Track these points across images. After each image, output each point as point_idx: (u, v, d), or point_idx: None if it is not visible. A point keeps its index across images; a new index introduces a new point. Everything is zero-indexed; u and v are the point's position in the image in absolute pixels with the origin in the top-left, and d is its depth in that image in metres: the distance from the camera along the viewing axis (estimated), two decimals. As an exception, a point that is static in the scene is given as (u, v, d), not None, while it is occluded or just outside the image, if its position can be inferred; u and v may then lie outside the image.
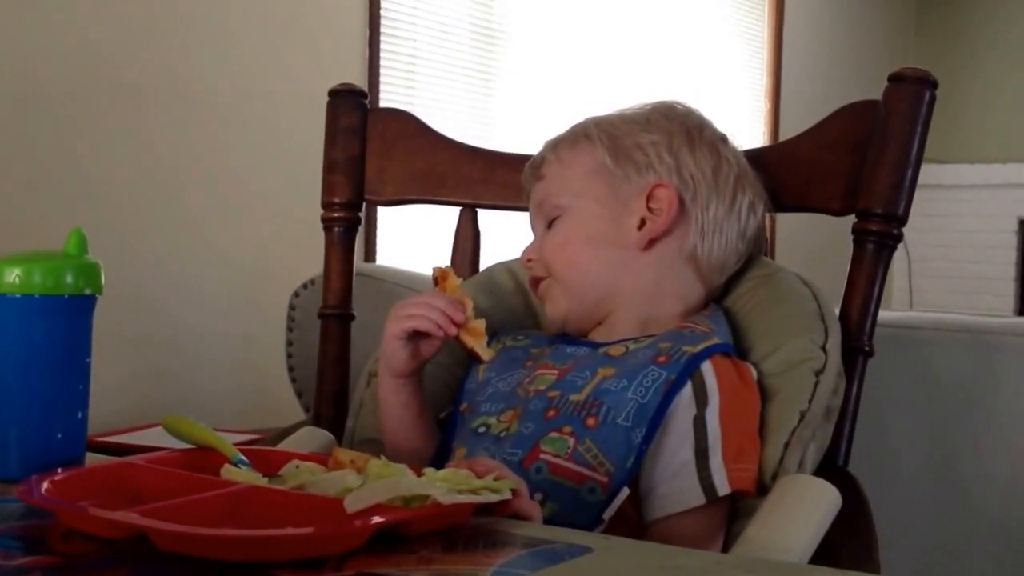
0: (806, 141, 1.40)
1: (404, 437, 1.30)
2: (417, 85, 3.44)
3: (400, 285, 2.21)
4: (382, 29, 3.29)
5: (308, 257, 2.08)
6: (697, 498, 1.17)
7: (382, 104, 3.22)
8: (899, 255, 5.59)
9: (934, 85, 1.35)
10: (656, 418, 1.17)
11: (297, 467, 1.03)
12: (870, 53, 5.52)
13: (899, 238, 1.34)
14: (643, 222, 1.30)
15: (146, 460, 1.06)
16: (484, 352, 1.25)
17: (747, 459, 1.18)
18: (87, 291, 1.10)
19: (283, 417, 2.39)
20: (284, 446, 1.34)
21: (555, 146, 1.38)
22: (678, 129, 1.34)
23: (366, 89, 3.25)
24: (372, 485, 0.93)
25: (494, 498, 0.95)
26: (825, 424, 1.23)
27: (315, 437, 1.41)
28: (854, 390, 1.30)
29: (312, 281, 2.31)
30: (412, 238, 3.35)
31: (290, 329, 2.37)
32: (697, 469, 1.17)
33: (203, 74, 2.84)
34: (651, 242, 1.30)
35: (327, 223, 1.57)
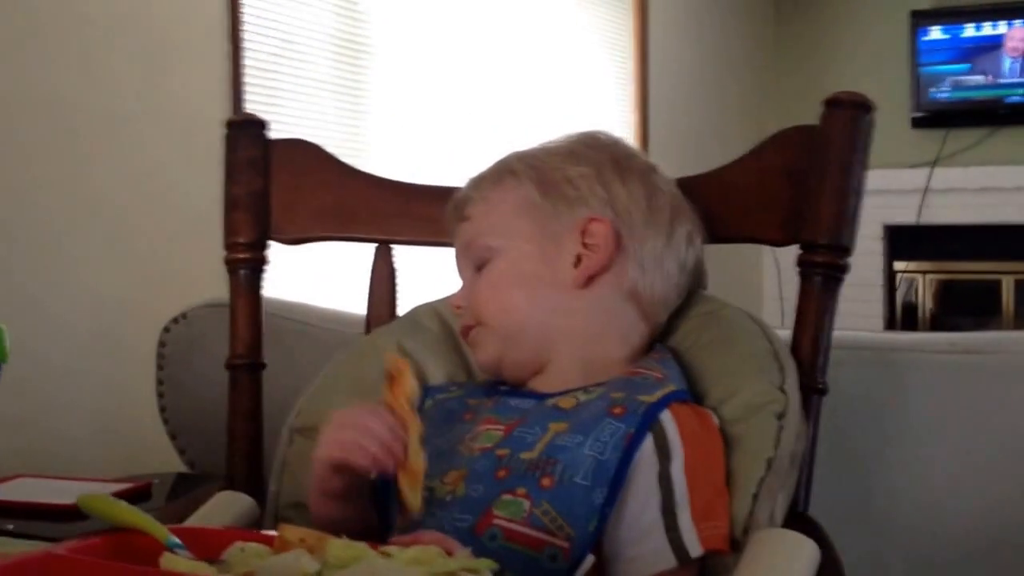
0: (741, 168, 1.35)
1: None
2: (280, 102, 3.29)
3: (281, 316, 2.10)
4: (244, 44, 3.15)
5: (179, 291, 1.95)
6: (668, 561, 1.09)
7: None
8: (768, 262, 5.63)
9: (870, 109, 1.31)
10: (618, 476, 1.09)
11: (242, 550, 0.93)
12: (734, 60, 5.53)
13: (845, 268, 1.30)
14: (579, 259, 1.23)
15: (70, 551, 0.94)
16: (414, 502, 1.06)
17: (716, 515, 1.11)
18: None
19: (156, 462, 2.24)
20: (203, 514, 1.23)
21: (478, 184, 1.29)
22: (607, 160, 1.27)
23: (231, 105, 3.14)
24: (339, 574, 0.84)
25: (474, 583, 0.86)
26: (792, 471, 1.17)
27: (235, 502, 1.29)
28: (810, 431, 1.24)
29: (183, 315, 2.17)
30: (317, 274, 3.17)
31: (160, 367, 2.23)
32: (666, 530, 1.09)
33: (65, 93, 2.65)
34: (589, 279, 1.23)
35: (231, 265, 1.46)
